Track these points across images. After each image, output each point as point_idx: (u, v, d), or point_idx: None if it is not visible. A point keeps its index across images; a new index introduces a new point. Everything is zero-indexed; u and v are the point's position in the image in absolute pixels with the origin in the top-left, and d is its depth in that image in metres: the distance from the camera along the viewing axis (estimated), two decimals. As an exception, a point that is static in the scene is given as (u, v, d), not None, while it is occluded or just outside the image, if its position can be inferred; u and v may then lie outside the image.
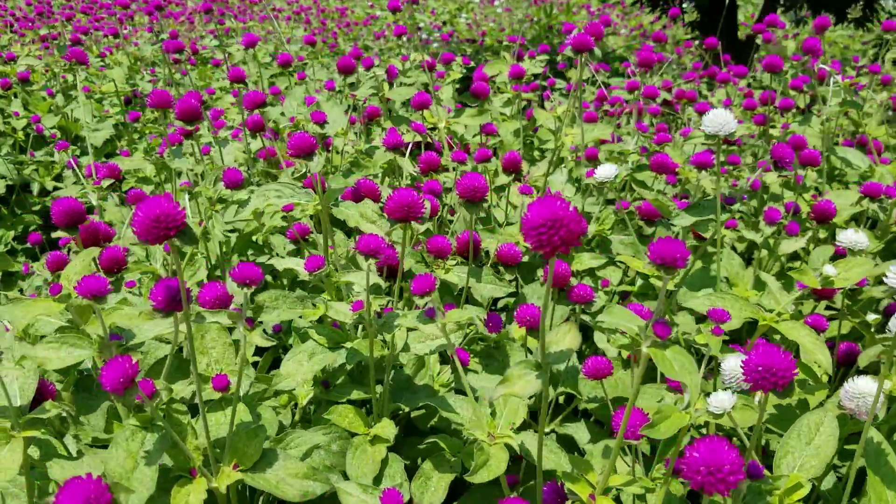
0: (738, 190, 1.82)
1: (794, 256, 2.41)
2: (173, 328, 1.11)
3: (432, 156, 2.04)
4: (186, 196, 2.29)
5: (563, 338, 0.99)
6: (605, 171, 1.51)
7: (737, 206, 1.80)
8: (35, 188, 3.51)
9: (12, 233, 3.33)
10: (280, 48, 5.48)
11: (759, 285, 2.00)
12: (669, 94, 3.31)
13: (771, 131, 2.53)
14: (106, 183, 1.90)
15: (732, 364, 1.28)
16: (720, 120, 1.36)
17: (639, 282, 2.03)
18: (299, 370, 1.41)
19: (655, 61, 2.26)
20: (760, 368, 0.89)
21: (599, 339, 1.86)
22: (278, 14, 8.16)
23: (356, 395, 1.50)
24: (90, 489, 0.77)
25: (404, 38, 7.94)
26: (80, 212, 1.45)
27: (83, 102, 2.15)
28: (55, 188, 3.53)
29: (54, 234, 3.54)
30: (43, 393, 1.29)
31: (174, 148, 1.72)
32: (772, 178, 2.25)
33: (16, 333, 1.53)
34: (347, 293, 1.58)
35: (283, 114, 2.56)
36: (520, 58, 2.98)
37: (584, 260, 2.00)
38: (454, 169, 2.22)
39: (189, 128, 1.80)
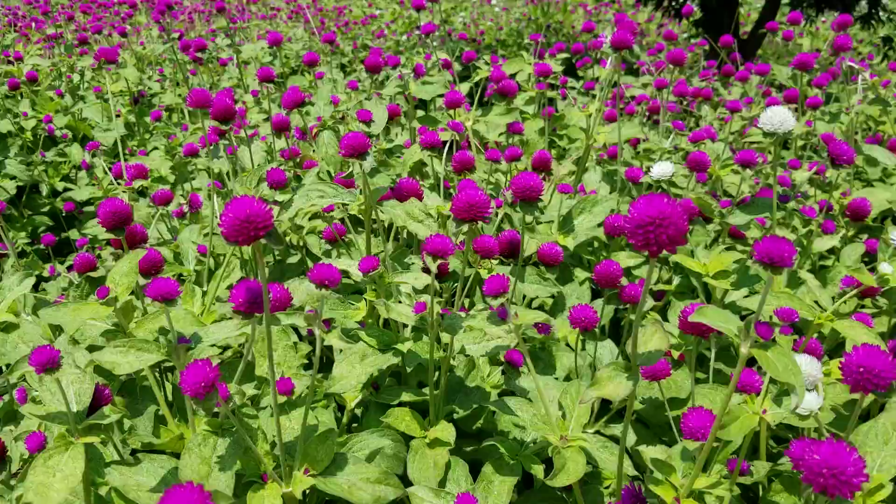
0: (793, 188, 1.81)
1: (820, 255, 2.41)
2: (239, 331, 1.09)
3: (466, 154, 2.02)
4: (215, 196, 2.26)
5: (651, 338, 0.97)
6: (662, 168, 1.50)
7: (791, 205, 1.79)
8: (44, 189, 3.47)
9: (23, 234, 3.28)
10: (283, 47, 5.44)
11: (792, 283, 2.00)
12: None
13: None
14: (137, 183, 1.86)
15: (800, 363, 1.27)
16: (779, 118, 1.34)
17: (675, 281, 2.02)
18: (353, 372, 1.39)
19: (686, 59, 2.25)
20: (862, 369, 0.88)
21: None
22: (276, 13, 8.12)
23: (407, 397, 1.48)
24: (194, 498, 0.74)
25: (404, 38, 7.86)
26: (127, 213, 1.42)
27: (112, 102, 2.12)
28: (66, 189, 3.49)
29: (64, 235, 3.49)
30: (98, 398, 1.26)
31: (212, 148, 1.69)
32: (799, 177, 2.25)
33: (66, 337, 1.50)
34: (395, 294, 1.56)
35: (307, 113, 2.53)
36: (541, 56, 2.97)
37: (621, 259, 1.98)
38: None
39: (224, 127, 1.77)
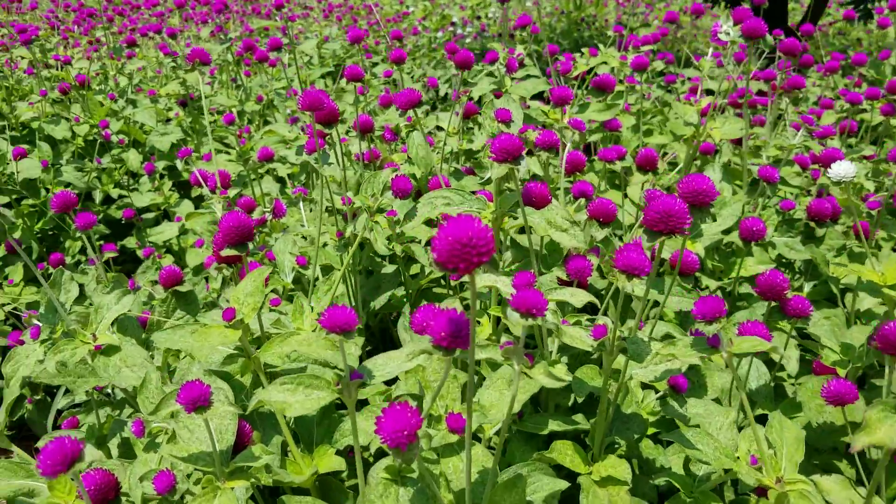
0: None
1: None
2: (413, 364, 0.95)
3: (577, 155, 1.89)
4: (301, 204, 2.14)
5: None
6: (843, 168, 1.34)
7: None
8: (98, 196, 3.35)
9: (79, 244, 3.17)
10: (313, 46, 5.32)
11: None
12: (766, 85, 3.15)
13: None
14: (233, 192, 1.74)
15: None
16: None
17: (806, 288, 1.88)
18: (502, 399, 1.26)
19: (801, 49, 2.10)
20: None
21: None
22: (308, 13, 8.00)
23: (556, 425, 1.34)
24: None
25: (439, 34, 7.70)
26: (250, 228, 1.28)
27: (207, 111, 2.00)
28: (120, 196, 3.38)
29: (119, 244, 3.37)
30: (241, 436, 1.14)
31: (321, 153, 1.56)
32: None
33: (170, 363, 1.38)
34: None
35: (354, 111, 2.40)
36: (625, 48, 2.82)
37: (749, 265, 1.84)
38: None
39: (328, 131, 1.64)
